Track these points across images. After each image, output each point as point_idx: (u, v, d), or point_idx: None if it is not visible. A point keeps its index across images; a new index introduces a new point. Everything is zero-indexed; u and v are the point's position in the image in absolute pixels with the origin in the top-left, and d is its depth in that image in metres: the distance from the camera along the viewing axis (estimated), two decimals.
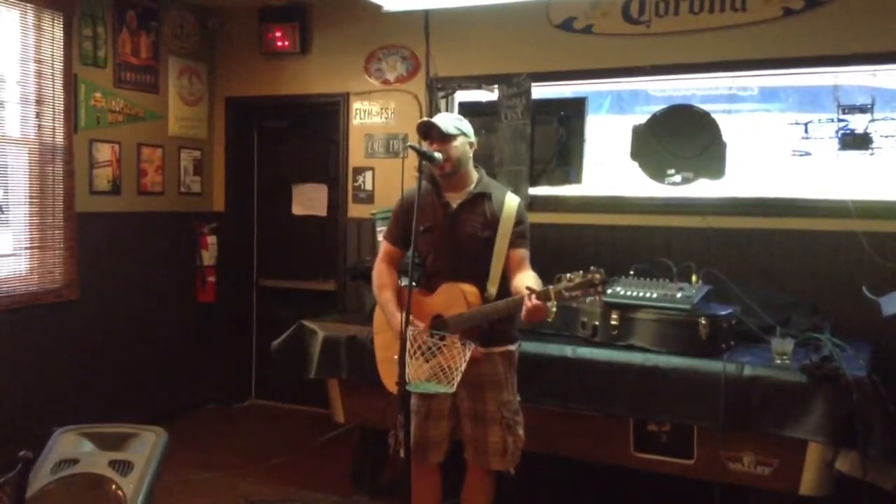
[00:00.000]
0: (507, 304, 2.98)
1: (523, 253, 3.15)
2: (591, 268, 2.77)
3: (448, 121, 3.16)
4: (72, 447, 2.91)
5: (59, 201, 4.76)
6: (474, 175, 3.23)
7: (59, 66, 4.70)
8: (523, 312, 2.85)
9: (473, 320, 3.02)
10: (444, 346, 2.96)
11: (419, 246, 3.15)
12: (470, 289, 3.08)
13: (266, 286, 6.10)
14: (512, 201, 3.18)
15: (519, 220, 3.16)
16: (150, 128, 5.42)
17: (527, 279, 3.01)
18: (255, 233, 6.13)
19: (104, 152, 5.06)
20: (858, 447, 3.13)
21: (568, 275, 2.80)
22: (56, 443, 2.98)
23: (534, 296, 2.80)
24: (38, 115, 4.62)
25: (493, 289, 3.09)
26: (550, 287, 2.81)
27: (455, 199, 3.19)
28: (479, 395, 3.13)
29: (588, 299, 2.84)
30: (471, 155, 3.21)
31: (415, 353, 2.93)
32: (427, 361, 2.96)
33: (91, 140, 4.97)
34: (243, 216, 6.07)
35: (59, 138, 4.74)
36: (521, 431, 3.19)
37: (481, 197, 3.19)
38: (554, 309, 3.85)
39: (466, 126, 3.20)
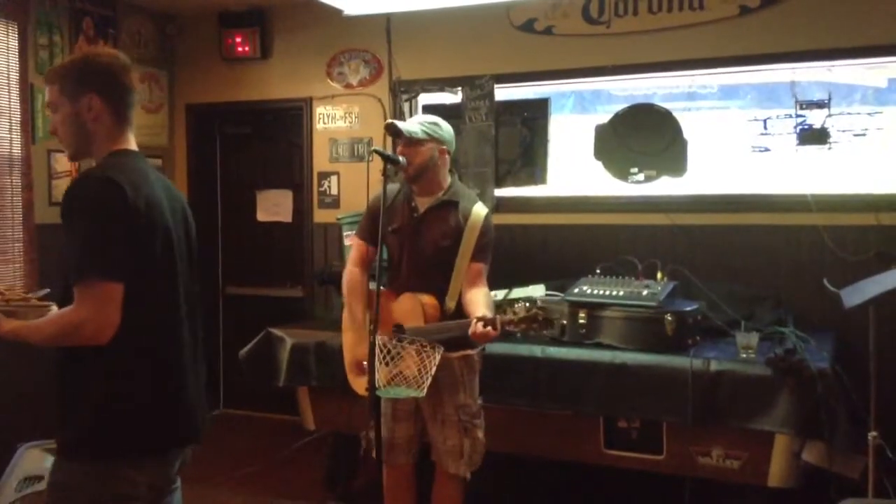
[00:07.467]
0: (458, 325, 2.97)
1: (481, 267, 3.12)
2: (537, 304, 2.85)
3: (414, 124, 3.13)
4: (37, 463, 2.87)
5: (17, 213, 4.67)
6: (446, 181, 3.20)
7: (14, 76, 4.61)
8: (471, 333, 2.87)
9: (429, 335, 2.98)
10: (413, 350, 2.95)
11: (388, 246, 3.15)
12: (429, 300, 3.06)
13: (232, 294, 6.04)
14: (479, 212, 3.13)
15: (483, 233, 3.11)
16: None
17: (478, 296, 3.02)
18: (219, 240, 6.07)
19: (63, 163, 4.96)
20: (824, 437, 3.18)
21: (516, 306, 2.84)
22: (21, 459, 2.93)
23: (481, 323, 2.83)
24: None
25: (451, 303, 3.07)
26: (497, 317, 2.84)
27: (423, 204, 3.17)
28: (437, 398, 3.11)
29: (531, 333, 2.95)
30: (438, 160, 3.14)
31: (384, 358, 2.92)
32: (396, 366, 2.95)
33: (49, 151, 4.87)
34: (207, 224, 5.97)
35: (17, 150, 4.65)
36: (480, 435, 3.17)
37: (448, 205, 3.15)
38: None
39: (441, 131, 3.15)
